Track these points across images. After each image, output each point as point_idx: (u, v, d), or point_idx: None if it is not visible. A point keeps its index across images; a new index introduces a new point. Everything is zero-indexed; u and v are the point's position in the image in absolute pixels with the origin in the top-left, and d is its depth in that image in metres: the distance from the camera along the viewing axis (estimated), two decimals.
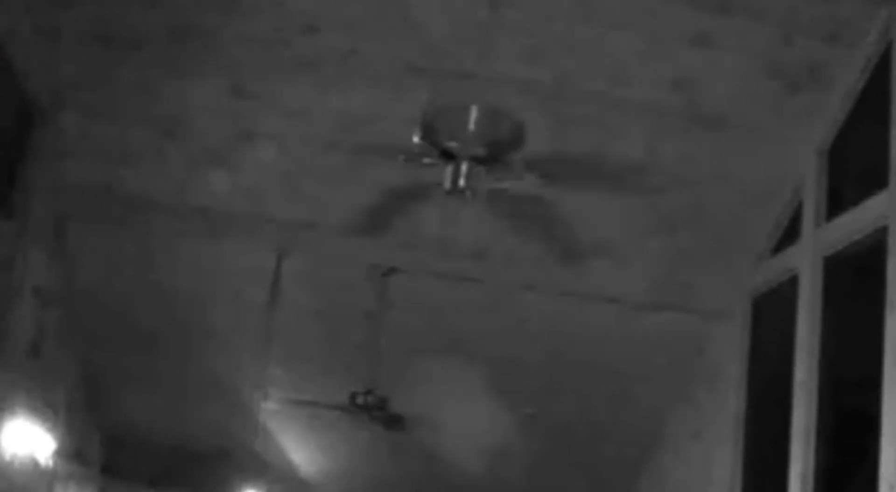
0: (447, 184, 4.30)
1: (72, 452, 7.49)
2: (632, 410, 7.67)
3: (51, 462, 6.79)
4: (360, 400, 6.72)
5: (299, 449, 8.60)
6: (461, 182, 4.27)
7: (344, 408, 6.76)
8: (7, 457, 6.09)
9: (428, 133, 4.21)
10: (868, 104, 5.77)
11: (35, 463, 6.46)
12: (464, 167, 4.26)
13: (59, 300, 6.91)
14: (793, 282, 6.28)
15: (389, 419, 6.87)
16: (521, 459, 8.29)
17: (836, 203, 6.02)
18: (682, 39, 5.60)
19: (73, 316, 7.16)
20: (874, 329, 5.31)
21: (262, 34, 5.64)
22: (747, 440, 6.72)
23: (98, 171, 6.36)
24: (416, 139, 4.27)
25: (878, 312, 5.31)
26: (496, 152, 4.27)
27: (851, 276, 5.96)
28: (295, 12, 5.56)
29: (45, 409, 6.66)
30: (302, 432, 8.31)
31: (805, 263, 6.16)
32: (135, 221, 6.60)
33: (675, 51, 5.66)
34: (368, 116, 5.86)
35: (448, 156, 4.27)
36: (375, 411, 6.78)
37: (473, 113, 4.18)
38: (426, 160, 4.37)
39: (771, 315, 6.71)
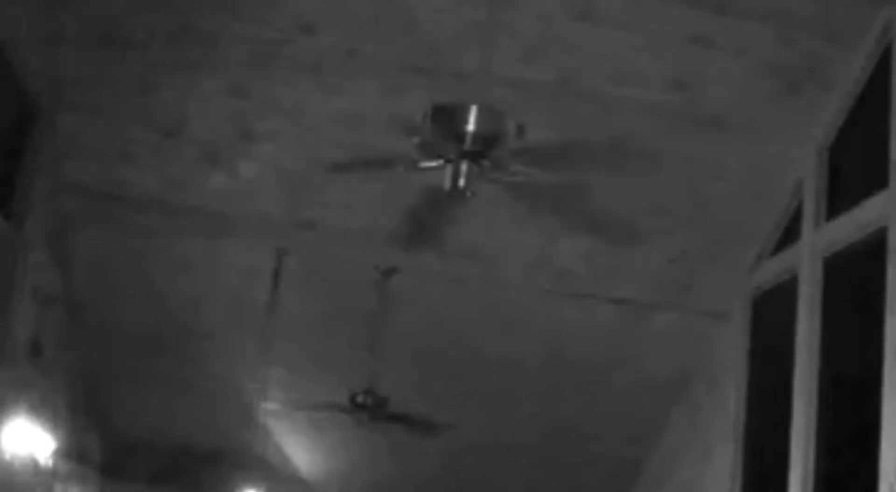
0: (447, 184, 4.29)
1: (72, 452, 7.48)
2: (632, 410, 7.67)
3: (51, 462, 6.79)
4: (360, 400, 6.72)
5: (299, 449, 8.60)
6: (461, 182, 4.26)
7: (344, 408, 6.76)
8: (7, 457, 6.09)
9: (427, 133, 4.20)
10: (868, 104, 5.77)
11: (35, 463, 6.46)
12: (464, 167, 4.25)
13: (59, 300, 6.91)
14: (793, 282, 6.28)
15: (416, 424, 6.88)
16: (521, 458, 8.29)
17: (836, 203, 6.02)
18: (681, 40, 5.61)
19: (73, 316, 7.16)
20: (874, 330, 5.31)
21: (262, 34, 5.65)
22: (747, 440, 6.72)
23: (98, 171, 6.36)
24: (415, 139, 4.26)
25: (877, 312, 5.31)
26: (496, 152, 4.27)
27: (851, 276, 5.96)
28: (295, 12, 5.57)
29: (45, 409, 6.66)
30: (302, 432, 8.31)
31: (805, 264, 6.16)
32: (135, 221, 6.60)
33: (675, 51, 5.67)
34: (368, 116, 5.86)
35: (448, 156, 4.27)
36: (377, 411, 6.77)
37: (473, 113, 4.16)
38: (426, 160, 4.36)
39: (771, 315, 6.71)
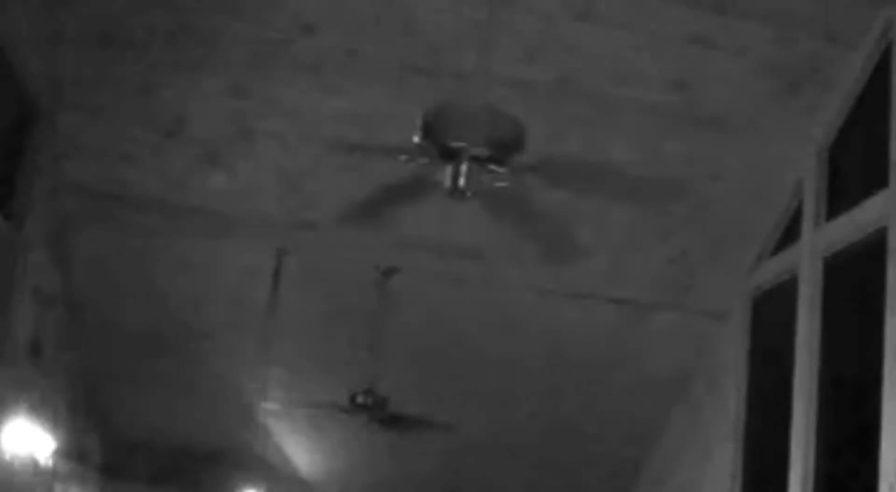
0: (447, 184, 4.29)
1: (72, 452, 7.49)
2: (632, 409, 7.67)
3: (51, 462, 6.79)
4: (360, 400, 6.72)
5: (299, 449, 8.60)
6: (461, 182, 4.26)
7: (344, 408, 6.76)
8: (7, 457, 6.09)
9: (428, 133, 4.20)
10: (868, 104, 5.77)
11: (35, 463, 6.46)
12: (464, 167, 4.25)
13: (59, 300, 6.91)
14: (793, 282, 6.28)
15: (391, 419, 6.87)
16: (521, 458, 8.29)
17: (836, 203, 6.02)
18: (681, 40, 5.61)
19: (73, 316, 7.16)
20: (874, 330, 5.31)
21: (262, 34, 5.64)
22: (747, 440, 6.72)
23: (98, 171, 6.36)
24: (415, 139, 4.27)
25: (877, 312, 5.31)
26: (496, 152, 4.27)
27: (851, 276, 5.96)
28: (295, 12, 5.57)
29: (45, 409, 6.66)
30: (302, 432, 8.31)
31: (805, 264, 6.16)
32: (135, 221, 6.60)
33: (675, 51, 5.67)
34: (368, 116, 5.86)
35: (448, 156, 4.27)
36: (377, 411, 6.77)
37: (473, 113, 4.17)
38: (426, 161, 4.36)
39: (771, 315, 6.71)
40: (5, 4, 5.26)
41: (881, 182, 5.47)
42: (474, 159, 4.25)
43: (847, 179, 6.03)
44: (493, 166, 4.32)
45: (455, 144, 4.22)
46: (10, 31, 5.37)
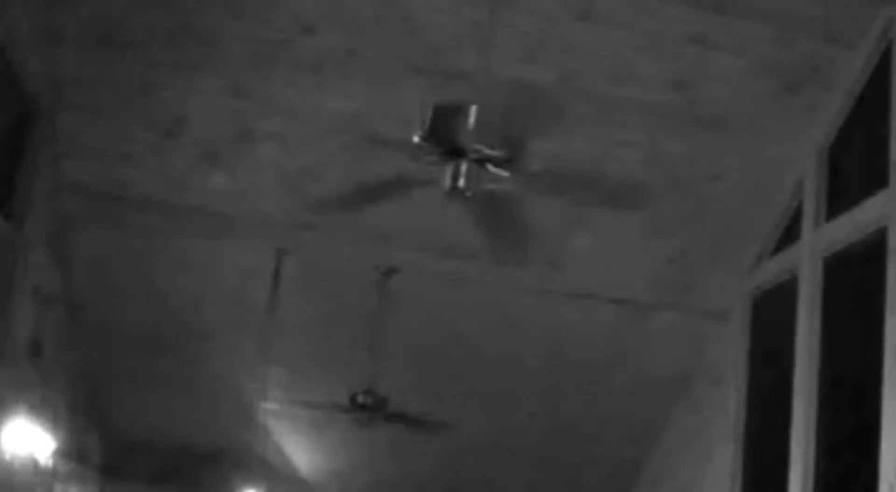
0: (447, 184, 4.29)
1: (72, 452, 7.49)
2: (632, 409, 7.67)
3: (51, 462, 6.79)
4: (360, 400, 6.72)
5: (299, 449, 8.60)
6: (461, 182, 4.27)
7: (344, 408, 6.76)
8: (7, 457, 6.09)
9: (428, 133, 4.21)
10: (868, 104, 5.77)
11: (35, 463, 6.46)
12: (464, 167, 4.25)
13: (59, 300, 6.91)
14: (793, 282, 6.28)
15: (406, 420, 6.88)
16: (521, 458, 8.29)
17: (836, 203, 6.02)
18: (681, 40, 5.61)
19: (73, 316, 7.16)
20: (874, 330, 5.31)
21: (262, 34, 5.65)
22: (747, 440, 6.72)
23: (98, 171, 6.36)
24: (416, 139, 4.27)
25: (877, 312, 5.31)
26: (497, 152, 4.27)
27: (851, 276, 5.96)
28: (295, 12, 5.57)
29: (45, 409, 6.66)
30: (302, 432, 8.31)
31: (805, 264, 6.16)
32: (135, 221, 6.60)
33: (675, 51, 5.67)
34: (368, 116, 5.86)
35: (448, 156, 4.27)
36: (377, 411, 6.77)
37: (473, 113, 4.17)
38: (425, 161, 4.37)
39: (771, 315, 6.71)
40: (5, 4, 5.25)
41: (881, 182, 5.47)
42: (474, 159, 4.25)
43: (847, 179, 6.03)
44: (493, 167, 4.32)
45: (455, 145, 4.23)
46: (10, 31, 5.37)
